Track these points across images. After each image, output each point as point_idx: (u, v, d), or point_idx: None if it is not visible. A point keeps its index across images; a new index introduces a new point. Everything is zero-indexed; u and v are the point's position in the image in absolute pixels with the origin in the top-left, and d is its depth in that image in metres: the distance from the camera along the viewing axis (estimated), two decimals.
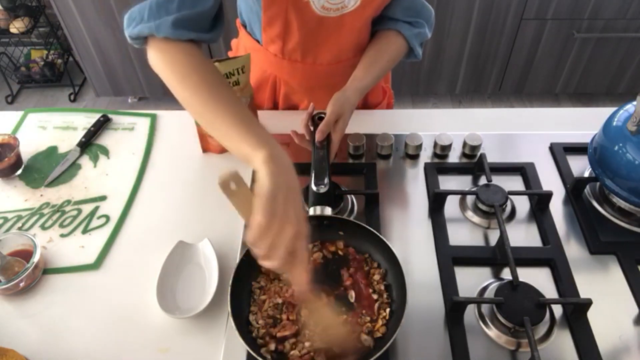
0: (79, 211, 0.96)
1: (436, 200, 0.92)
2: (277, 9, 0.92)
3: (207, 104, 0.73)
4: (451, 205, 0.93)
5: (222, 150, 1.05)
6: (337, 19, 0.95)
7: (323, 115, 0.94)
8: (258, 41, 1.05)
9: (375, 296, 0.77)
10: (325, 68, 1.05)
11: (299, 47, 1.01)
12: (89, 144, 1.09)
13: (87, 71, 2.48)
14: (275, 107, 1.18)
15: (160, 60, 0.79)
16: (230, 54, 1.19)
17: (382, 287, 0.78)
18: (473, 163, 1.00)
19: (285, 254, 0.61)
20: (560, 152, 1.01)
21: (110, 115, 1.15)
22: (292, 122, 1.10)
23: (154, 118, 1.15)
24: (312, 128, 0.94)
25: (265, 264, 0.63)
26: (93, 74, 2.49)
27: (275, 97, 1.16)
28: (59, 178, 1.02)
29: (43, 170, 1.04)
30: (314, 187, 0.85)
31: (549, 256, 0.84)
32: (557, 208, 0.92)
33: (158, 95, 2.62)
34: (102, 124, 1.12)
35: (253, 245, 0.62)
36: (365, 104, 1.19)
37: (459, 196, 0.95)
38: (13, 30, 2.50)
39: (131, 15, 0.81)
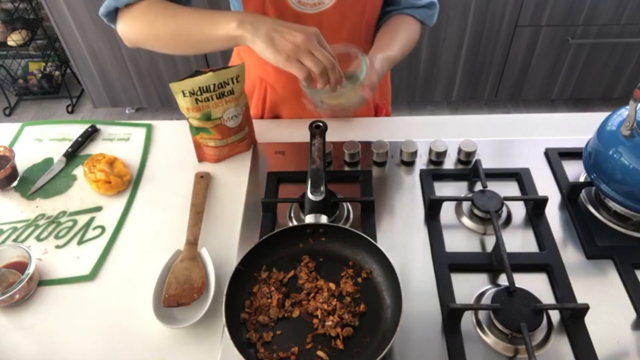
0: (75, 222, 0.96)
1: (432, 207, 0.92)
2: (255, 3, 0.94)
3: (177, 27, 0.84)
4: (447, 212, 0.93)
5: (218, 160, 1.05)
6: (315, 17, 0.95)
7: (320, 124, 0.94)
8: None
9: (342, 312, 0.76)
10: None
11: None
12: (75, 155, 1.08)
13: (85, 83, 2.48)
14: (262, 113, 1.17)
15: (126, 24, 0.90)
16: (232, 59, 1.20)
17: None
18: (468, 169, 1.00)
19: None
20: (555, 157, 1.02)
21: (103, 126, 1.15)
22: (290, 131, 1.10)
23: (149, 128, 1.15)
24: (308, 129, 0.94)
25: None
26: (90, 85, 2.50)
27: (263, 102, 1.15)
28: (54, 189, 1.02)
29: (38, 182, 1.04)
30: (310, 195, 0.85)
31: (546, 261, 0.84)
32: (553, 213, 0.92)
33: (155, 106, 2.63)
34: (89, 135, 1.12)
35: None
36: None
37: (454, 202, 0.95)
38: (10, 42, 2.52)
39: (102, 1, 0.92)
